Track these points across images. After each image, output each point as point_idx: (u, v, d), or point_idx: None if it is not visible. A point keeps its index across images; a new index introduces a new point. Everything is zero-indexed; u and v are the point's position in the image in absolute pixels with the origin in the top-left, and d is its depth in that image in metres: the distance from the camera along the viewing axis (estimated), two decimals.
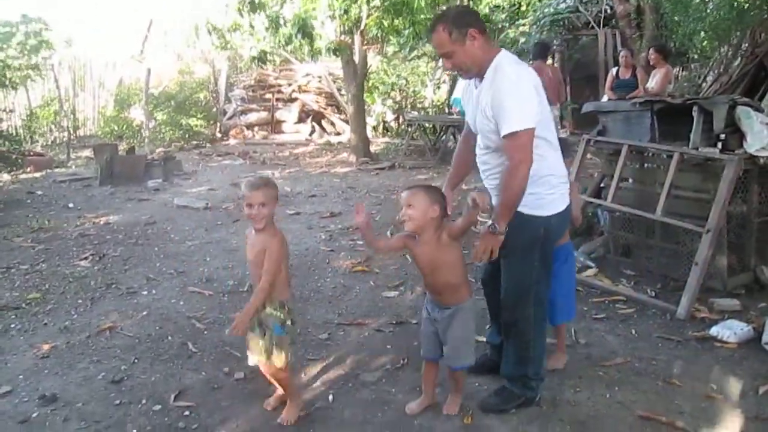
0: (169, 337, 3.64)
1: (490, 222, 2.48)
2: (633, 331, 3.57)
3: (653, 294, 4.08)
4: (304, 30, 8.93)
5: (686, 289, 3.75)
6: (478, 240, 2.55)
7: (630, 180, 4.70)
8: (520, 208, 2.48)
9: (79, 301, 4.26)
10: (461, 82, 9.67)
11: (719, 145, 3.98)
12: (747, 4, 9.30)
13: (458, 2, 12.12)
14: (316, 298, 4.22)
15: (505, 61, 2.46)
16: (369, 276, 4.65)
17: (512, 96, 2.37)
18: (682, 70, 11.63)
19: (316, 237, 5.72)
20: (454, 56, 2.47)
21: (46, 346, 3.52)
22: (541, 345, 2.75)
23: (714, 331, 3.46)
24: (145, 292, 4.42)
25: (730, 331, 3.40)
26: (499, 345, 2.86)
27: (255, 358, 2.71)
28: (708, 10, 9.90)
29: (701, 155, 4.02)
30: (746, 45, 8.31)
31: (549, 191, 2.55)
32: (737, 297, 3.93)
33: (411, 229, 2.52)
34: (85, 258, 5.24)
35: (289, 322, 2.66)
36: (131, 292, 4.42)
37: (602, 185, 4.87)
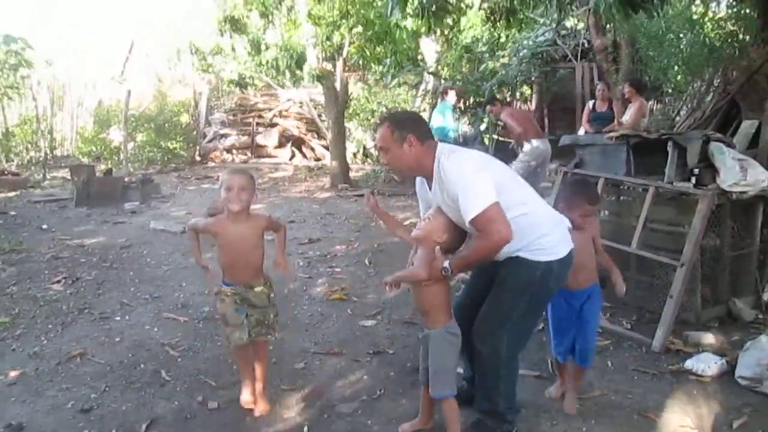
0: (142, 365, 3.57)
1: (447, 264, 2.49)
2: (609, 363, 3.58)
3: (629, 326, 4.11)
4: (300, 62, 9.02)
5: (661, 322, 3.78)
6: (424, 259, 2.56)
7: (606, 212, 4.75)
8: (520, 254, 2.53)
9: (50, 326, 4.18)
10: (437, 113, 9.69)
11: (693, 179, 4.06)
12: (719, 42, 9.61)
13: (437, 34, 12.31)
14: (293, 326, 4.17)
15: (443, 157, 2.55)
16: (346, 304, 4.62)
17: (461, 185, 2.44)
18: (657, 104, 11.90)
19: (293, 263, 5.68)
20: (388, 153, 2.61)
21: (13, 373, 3.43)
22: (511, 381, 2.74)
23: (689, 364, 3.48)
24: (118, 318, 4.35)
25: (704, 364, 3.43)
26: (472, 378, 2.86)
27: (242, 335, 2.87)
28: (681, 46, 10.19)
29: (676, 189, 4.09)
30: (718, 81, 8.55)
31: (547, 239, 2.55)
32: (711, 330, 3.97)
33: (415, 235, 2.64)
34: (58, 281, 5.15)
35: (272, 295, 2.99)
36: (104, 318, 4.34)
37: None
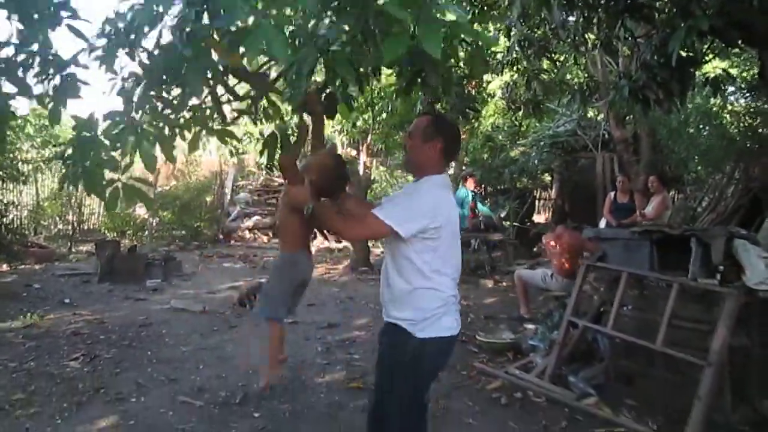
0: None
1: (311, 204, 2.56)
2: None
3: (655, 427, 3.96)
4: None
5: (690, 424, 3.66)
6: None
7: (629, 307, 4.70)
8: (399, 323, 2.49)
9: (65, 405, 4.15)
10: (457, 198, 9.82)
11: (718, 276, 4.02)
12: (737, 136, 9.75)
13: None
14: (309, 414, 4.10)
15: (430, 181, 2.53)
16: (365, 393, 4.51)
17: (403, 197, 2.54)
18: (678, 194, 11.92)
19: (312, 349, 5.62)
20: (410, 143, 2.59)
21: None
22: None
23: None
24: (133, 399, 4.30)
25: None
26: None
27: None
28: (700, 139, 10.34)
29: (700, 287, 4.04)
30: (739, 173, 8.60)
31: (426, 308, 2.48)
32: None
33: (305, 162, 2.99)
34: (76, 358, 5.15)
35: None
36: (119, 399, 4.30)
37: (602, 310, 4.86)
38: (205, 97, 2.52)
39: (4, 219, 10.03)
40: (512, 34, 6.73)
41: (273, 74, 2.86)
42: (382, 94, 9.41)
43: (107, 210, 2.46)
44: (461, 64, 4.57)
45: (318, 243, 13.71)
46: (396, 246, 2.48)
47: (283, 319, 2.84)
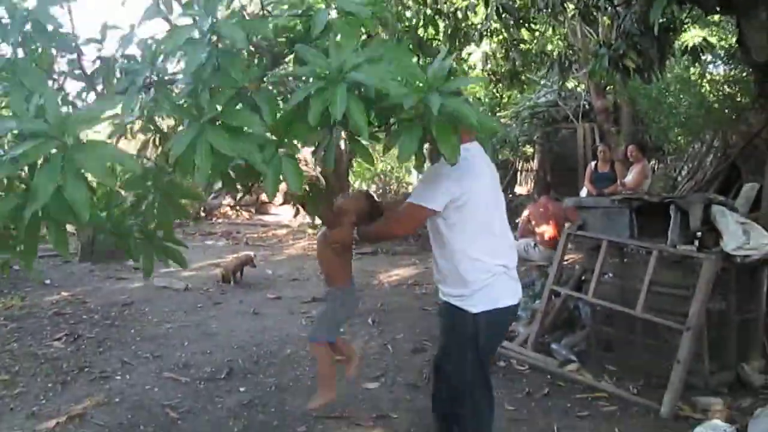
0: (141, 427, 3.52)
1: (355, 234, 2.76)
2: (617, 430, 3.51)
3: (636, 391, 4.03)
4: None
5: (669, 388, 3.73)
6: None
7: (610, 274, 4.75)
8: (451, 300, 2.55)
9: (50, 384, 4.14)
10: None
11: (696, 242, 4.07)
12: (716, 104, 9.82)
13: None
14: (295, 387, 4.13)
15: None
16: None
17: (427, 174, 2.57)
18: (659, 164, 12.03)
19: (296, 323, 5.64)
20: None
21: None
22: None
23: (698, 431, 3.41)
24: (118, 377, 4.30)
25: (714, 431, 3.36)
26: None
27: None
28: (680, 108, 10.40)
29: (679, 253, 4.09)
30: (718, 143, 8.68)
31: (473, 281, 2.48)
32: (720, 395, 3.90)
33: (338, 204, 3.02)
34: (59, 338, 5.12)
35: None
36: (104, 377, 4.30)
37: (583, 278, 4.92)
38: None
39: None
40: (490, 2, 6.67)
41: None
42: None
43: (145, 276, 2.53)
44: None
45: (300, 218, 13.68)
46: (434, 224, 2.52)
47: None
